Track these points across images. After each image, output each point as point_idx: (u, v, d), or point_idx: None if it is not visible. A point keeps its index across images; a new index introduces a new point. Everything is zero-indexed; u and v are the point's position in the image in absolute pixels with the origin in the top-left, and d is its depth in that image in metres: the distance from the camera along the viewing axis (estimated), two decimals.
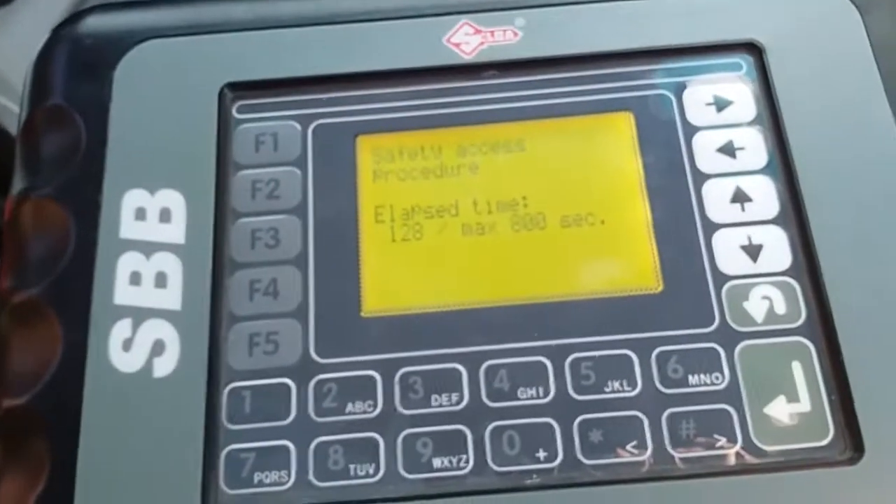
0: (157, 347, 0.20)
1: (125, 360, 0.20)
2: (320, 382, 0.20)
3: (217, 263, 0.21)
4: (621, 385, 0.20)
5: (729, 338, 0.20)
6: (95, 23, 0.24)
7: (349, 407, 0.20)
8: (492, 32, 0.23)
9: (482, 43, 0.23)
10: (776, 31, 0.23)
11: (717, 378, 0.20)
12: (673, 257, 0.21)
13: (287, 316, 0.21)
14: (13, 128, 0.45)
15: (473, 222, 0.22)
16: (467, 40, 0.23)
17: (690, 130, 0.22)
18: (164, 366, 0.20)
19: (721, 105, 0.23)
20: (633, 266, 0.21)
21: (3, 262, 0.23)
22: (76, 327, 0.21)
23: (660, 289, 0.21)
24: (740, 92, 0.23)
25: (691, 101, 0.23)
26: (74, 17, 0.25)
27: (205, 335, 0.20)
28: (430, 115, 0.23)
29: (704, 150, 0.22)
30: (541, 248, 0.21)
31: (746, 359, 0.20)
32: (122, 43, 0.24)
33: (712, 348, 0.20)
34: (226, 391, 0.20)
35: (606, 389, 0.20)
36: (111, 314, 0.21)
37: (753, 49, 0.23)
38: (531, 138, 0.23)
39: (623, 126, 0.23)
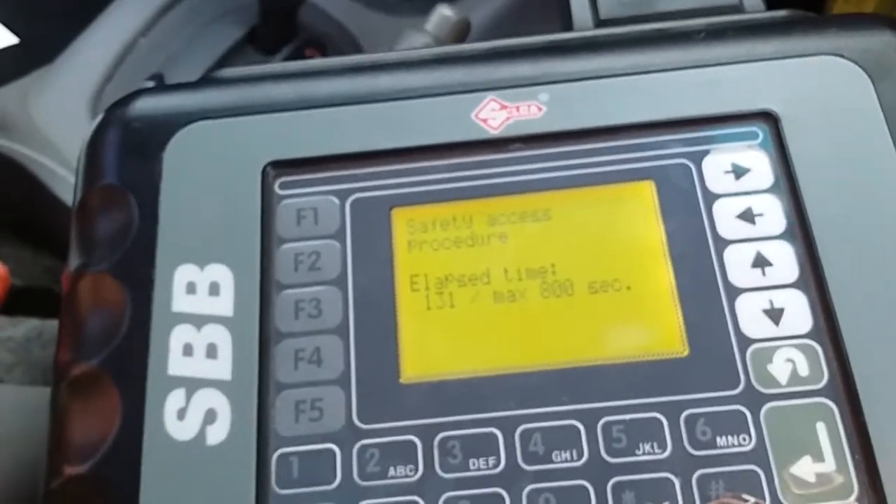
0: (210, 416, 0.22)
1: (180, 429, 0.21)
2: (363, 448, 0.21)
3: (263, 334, 0.23)
4: (652, 448, 0.21)
5: (754, 400, 0.21)
6: (144, 105, 0.26)
7: (391, 471, 0.21)
8: (517, 108, 0.25)
9: (508, 118, 0.25)
10: (791, 101, 0.24)
11: (744, 439, 0.21)
12: (698, 322, 0.22)
13: (330, 383, 0.22)
14: (57, 187, 0.47)
15: (504, 290, 0.23)
16: (494, 115, 0.25)
17: (710, 198, 0.23)
18: (217, 434, 0.21)
19: (739, 173, 0.24)
20: (660, 331, 0.22)
21: (61, 335, 0.24)
22: (133, 397, 0.22)
23: (686, 353, 0.22)
24: (757, 160, 0.24)
25: (710, 169, 0.24)
26: (124, 100, 0.27)
27: (254, 403, 0.22)
28: (461, 187, 0.24)
29: (724, 217, 0.23)
30: (570, 314, 0.23)
31: (772, 420, 0.21)
32: (171, 125, 0.25)
33: (739, 410, 0.21)
34: (275, 457, 0.21)
35: (638, 452, 0.21)
36: (166, 384, 0.22)
37: (769, 118, 0.24)
38: (557, 208, 0.24)
39: (645, 194, 0.24)
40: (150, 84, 0.55)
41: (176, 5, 0.56)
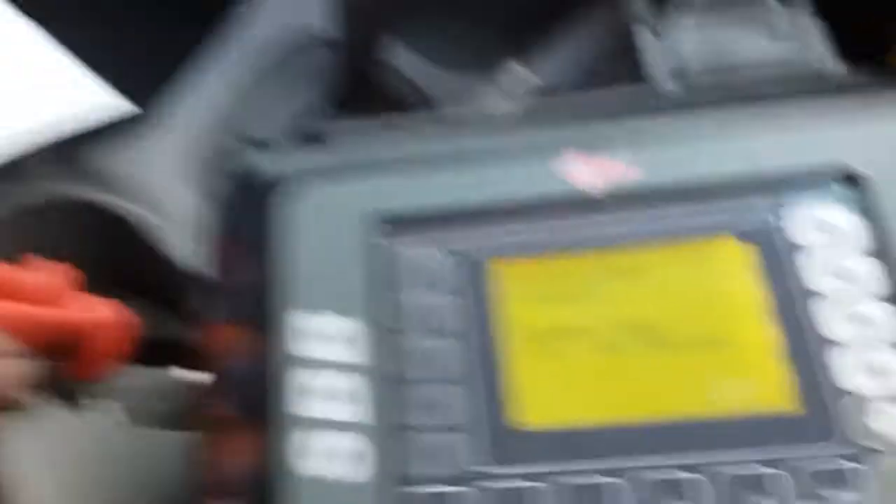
0: (335, 455, 0.23)
1: (307, 466, 0.23)
2: (485, 490, 0.23)
3: (385, 379, 0.24)
4: (759, 501, 0.22)
5: (860, 455, 0.22)
6: (260, 163, 0.28)
7: None
8: (606, 166, 0.26)
9: (598, 176, 0.26)
10: (877, 160, 0.25)
11: (851, 495, 0.21)
12: (800, 377, 0.23)
13: (454, 429, 0.24)
14: (160, 241, 0.51)
15: (605, 342, 0.24)
16: (583, 173, 0.26)
17: (803, 254, 0.25)
18: (347, 472, 0.23)
19: (830, 230, 0.25)
20: (763, 385, 0.23)
21: (199, 382, 0.27)
22: (267, 437, 0.24)
23: (791, 408, 0.23)
24: (847, 218, 0.25)
25: (801, 227, 0.25)
26: (239, 158, 0.29)
27: (381, 444, 0.23)
28: (560, 242, 0.26)
29: (819, 273, 0.24)
30: (674, 368, 0.24)
31: (881, 476, 0.22)
32: (286, 182, 0.27)
33: (844, 465, 0.22)
34: (399, 495, 0.23)
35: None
36: (298, 425, 0.24)
37: (856, 177, 0.25)
38: (653, 263, 0.25)
39: (739, 251, 0.25)
40: (244, 144, 0.59)
41: (259, 70, 0.60)
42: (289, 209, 0.27)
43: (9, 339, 0.30)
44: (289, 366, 0.25)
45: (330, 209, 0.27)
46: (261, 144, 0.31)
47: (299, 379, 0.25)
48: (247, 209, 0.28)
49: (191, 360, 0.49)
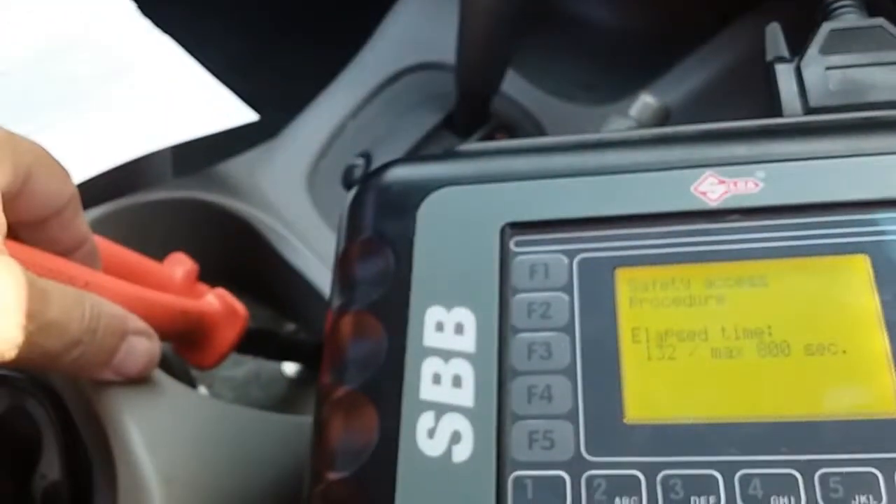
0: (455, 437, 0.25)
1: (429, 446, 0.25)
2: (591, 478, 0.24)
3: (501, 370, 0.26)
4: (867, 499, 0.22)
5: None
6: (400, 173, 0.30)
7: (617, 501, 0.23)
8: (735, 183, 0.27)
9: (726, 192, 0.27)
10: None
11: None
12: None
13: (560, 418, 0.25)
14: (278, 244, 0.53)
15: (722, 346, 0.25)
16: (712, 189, 0.27)
17: None
18: (461, 453, 0.24)
19: None
20: (874, 392, 0.23)
21: (324, 362, 0.28)
22: (389, 416, 0.25)
23: None
24: None
25: None
26: (380, 169, 0.31)
27: (493, 429, 0.25)
28: (680, 252, 0.27)
29: None
30: (786, 372, 0.24)
31: None
32: (423, 189, 0.29)
33: None
34: (511, 478, 0.24)
35: (853, 503, 0.22)
36: (418, 407, 0.25)
37: None
38: (773, 275, 0.26)
39: (860, 267, 0.25)
40: (360, 161, 0.62)
41: (380, 93, 0.63)
42: (430, 214, 0.29)
43: (141, 321, 0.32)
44: (423, 354, 0.26)
45: (468, 215, 0.28)
46: (406, 158, 0.33)
47: (432, 367, 0.26)
48: (391, 214, 0.29)
49: (288, 352, 0.51)
